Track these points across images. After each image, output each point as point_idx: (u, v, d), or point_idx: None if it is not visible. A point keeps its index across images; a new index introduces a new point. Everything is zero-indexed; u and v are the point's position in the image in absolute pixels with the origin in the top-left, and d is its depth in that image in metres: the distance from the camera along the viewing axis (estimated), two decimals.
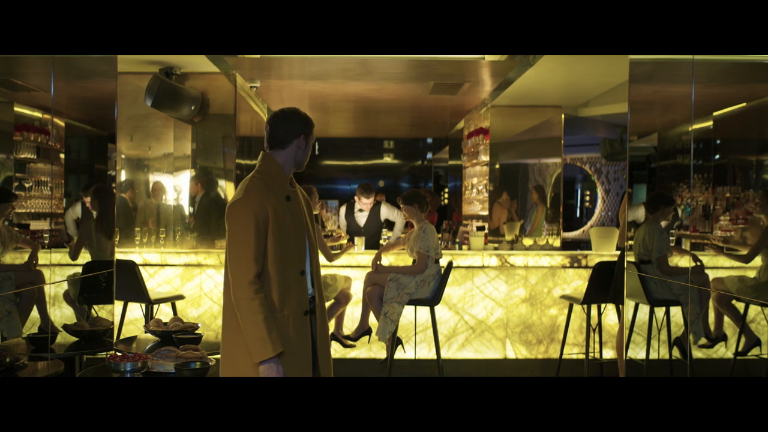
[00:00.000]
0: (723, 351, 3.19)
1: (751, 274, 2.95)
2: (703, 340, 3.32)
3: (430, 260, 4.71)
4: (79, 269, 3.73)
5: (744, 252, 3.03)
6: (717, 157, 3.39)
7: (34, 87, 3.28)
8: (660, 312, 3.74)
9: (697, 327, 3.32)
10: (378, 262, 4.96)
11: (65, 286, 3.59)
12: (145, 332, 3.73)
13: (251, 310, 2.36)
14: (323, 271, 5.13)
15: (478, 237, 6.10)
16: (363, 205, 6.65)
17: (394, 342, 4.76)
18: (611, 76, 5.99)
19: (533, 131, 7.65)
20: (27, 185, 3.23)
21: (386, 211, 6.78)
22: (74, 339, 3.52)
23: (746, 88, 3.27)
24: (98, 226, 3.86)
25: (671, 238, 3.62)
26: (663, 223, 3.73)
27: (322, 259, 5.26)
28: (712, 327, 3.23)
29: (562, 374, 5.21)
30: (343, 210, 6.92)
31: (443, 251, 5.78)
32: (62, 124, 3.50)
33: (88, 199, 3.87)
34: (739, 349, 3.05)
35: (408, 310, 5.20)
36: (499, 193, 7.69)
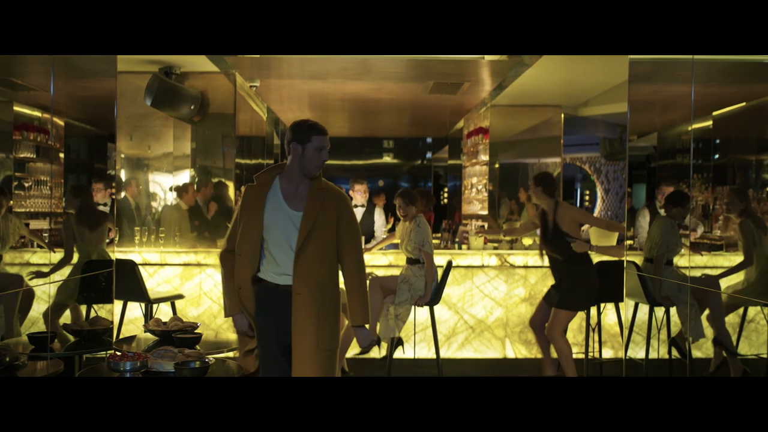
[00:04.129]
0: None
1: (751, 274, 2.95)
2: (702, 340, 3.32)
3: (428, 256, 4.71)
4: (71, 269, 3.71)
5: (740, 256, 3.02)
6: (716, 156, 3.39)
7: (34, 86, 3.28)
8: (660, 312, 3.74)
9: (696, 327, 3.32)
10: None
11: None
12: (145, 332, 3.72)
13: None
14: None
15: (478, 237, 6.10)
16: (357, 195, 6.39)
17: (394, 342, 4.76)
18: (611, 75, 5.99)
19: (533, 131, 7.65)
20: (26, 184, 3.23)
21: (377, 215, 6.66)
22: (74, 338, 3.52)
23: (746, 88, 3.27)
24: (78, 219, 3.80)
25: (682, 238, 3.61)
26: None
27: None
28: (711, 327, 3.23)
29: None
30: None
31: (443, 251, 5.78)
32: (62, 123, 3.50)
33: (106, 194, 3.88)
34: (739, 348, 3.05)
35: None
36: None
